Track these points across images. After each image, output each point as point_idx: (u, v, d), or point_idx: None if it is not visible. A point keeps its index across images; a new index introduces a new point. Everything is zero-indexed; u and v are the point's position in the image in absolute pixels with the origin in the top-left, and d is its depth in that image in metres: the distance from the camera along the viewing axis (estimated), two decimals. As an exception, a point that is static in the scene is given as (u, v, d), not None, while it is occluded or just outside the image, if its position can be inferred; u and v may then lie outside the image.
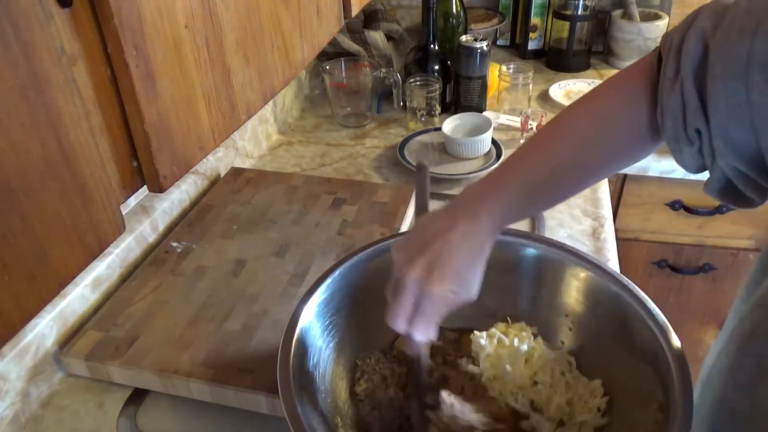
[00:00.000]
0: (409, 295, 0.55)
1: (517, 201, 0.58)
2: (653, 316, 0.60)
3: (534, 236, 0.74)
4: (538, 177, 0.58)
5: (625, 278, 0.65)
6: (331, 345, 0.66)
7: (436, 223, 0.57)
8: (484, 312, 0.71)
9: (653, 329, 0.59)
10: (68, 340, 0.77)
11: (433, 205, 1.07)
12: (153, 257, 0.90)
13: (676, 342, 0.57)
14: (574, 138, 0.59)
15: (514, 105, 1.38)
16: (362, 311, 0.69)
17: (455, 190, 1.14)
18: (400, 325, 0.56)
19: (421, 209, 0.68)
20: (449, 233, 0.56)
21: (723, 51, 0.48)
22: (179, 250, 0.91)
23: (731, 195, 0.54)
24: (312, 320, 0.63)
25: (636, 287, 0.64)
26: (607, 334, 0.66)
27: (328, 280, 0.66)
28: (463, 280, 0.56)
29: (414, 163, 1.18)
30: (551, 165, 0.59)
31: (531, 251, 0.71)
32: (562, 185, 0.60)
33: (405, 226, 0.98)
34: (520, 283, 0.73)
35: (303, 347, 0.61)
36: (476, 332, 0.70)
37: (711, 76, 0.49)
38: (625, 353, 0.63)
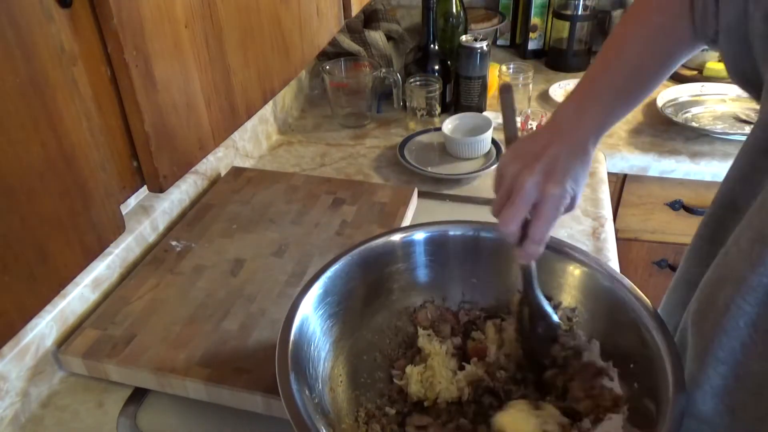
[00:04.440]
0: (527, 199, 0.57)
1: (608, 112, 0.63)
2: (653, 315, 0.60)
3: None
4: (619, 86, 0.63)
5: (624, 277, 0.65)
6: (330, 342, 0.66)
7: (542, 139, 0.60)
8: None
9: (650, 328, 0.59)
10: (68, 339, 0.77)
11: (432, 204, 1.09)
12: (152, 256, 0.90)
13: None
14: (636, 49, 0.64)
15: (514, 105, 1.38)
16: (361, 305, 0.69)
17: (455, 190, 1.14)
18: (513, 227, 0.57)
19: (511, 137, 0.67)
20: (558, 144, 0.59)
21: None
22: (178, 249, 0.91)
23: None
24: (310, 317, 0.63)
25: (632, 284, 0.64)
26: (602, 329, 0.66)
27: (325, 276, 0.66)
28: (577, 184, 0.59)
29: (414, 164, 1.18)
30: (626, 73, 0.64)
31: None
32: (637, 90, 0.65)
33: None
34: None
35: (300, 344, 0.61)
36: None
37: None
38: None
